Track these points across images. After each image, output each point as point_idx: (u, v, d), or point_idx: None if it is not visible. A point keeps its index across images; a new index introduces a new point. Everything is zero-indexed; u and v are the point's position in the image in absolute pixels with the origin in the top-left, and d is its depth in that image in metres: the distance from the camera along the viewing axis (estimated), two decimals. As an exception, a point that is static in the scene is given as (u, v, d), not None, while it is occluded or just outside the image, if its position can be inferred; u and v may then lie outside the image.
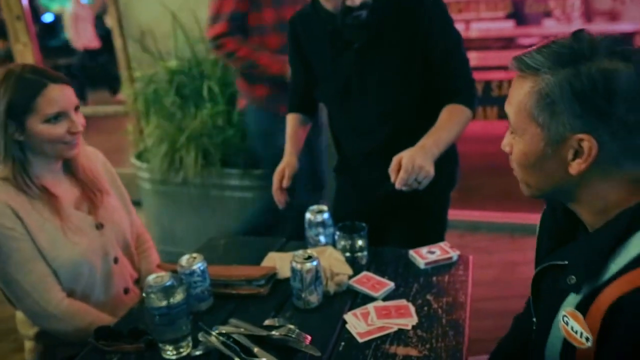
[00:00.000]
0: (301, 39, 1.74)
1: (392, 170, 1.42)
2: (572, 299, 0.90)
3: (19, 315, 1.52)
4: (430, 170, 1.42)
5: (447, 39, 1.58)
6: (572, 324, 0.89)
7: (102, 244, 1.50)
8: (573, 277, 0.89)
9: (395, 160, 1.43)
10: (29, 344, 1.53)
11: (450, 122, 1.55)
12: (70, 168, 1.51)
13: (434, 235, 1.72)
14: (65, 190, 1.49)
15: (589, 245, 0.91)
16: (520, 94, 0.90)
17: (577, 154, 0.86)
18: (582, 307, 0.87)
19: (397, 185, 1.41)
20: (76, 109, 1.43)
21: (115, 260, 1.54)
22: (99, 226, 1.51)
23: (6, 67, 1.38)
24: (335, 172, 1.96)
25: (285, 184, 1.71)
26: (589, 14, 6.86)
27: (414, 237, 1.66)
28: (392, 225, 1.84)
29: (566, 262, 0.93)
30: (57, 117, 1.38)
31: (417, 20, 1.54)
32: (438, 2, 1.58)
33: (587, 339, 0.86)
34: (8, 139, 1.37)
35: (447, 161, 1.61)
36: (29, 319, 1.45)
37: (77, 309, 1.42)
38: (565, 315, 0.90)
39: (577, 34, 0.87)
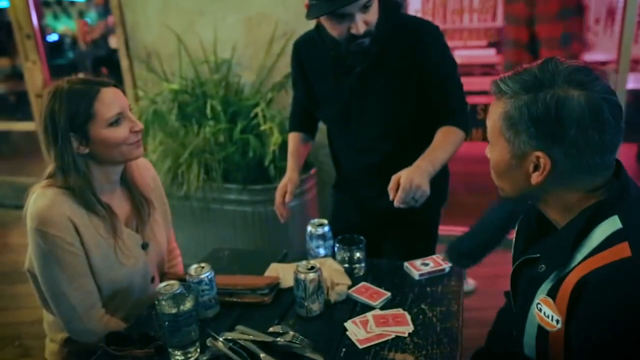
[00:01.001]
0: (304, 62, 1.77)
1: (390, 188, 1.44)
2: (544, 286, 0.98)
3: (48, 317, 1.49)
4: (427, 189, 1.44)
5: (443, 66, 1.61)
6: (544, 309, 0.97)
7: (144, 264, 1.48)
8: (543, 265, 0.99)
9: (393, 179, 1.45)
10: (52, 346, 1.50)
11: (445, 143, 1.58)
12: (125, 179, 1.47)
13: (426, 248, 1.75)
14: (119, 205, 1.45)
15: (556, 239, 1.01)
16: (495, 113, 1.00)
17: (536, 167, 0.95)
18: (552, 293, 0.95)
19: (396, 204, 1.43)
20: (130, 109, 1.39)
21: (152, 280, 1.52)
22: (145, 246, 1.48)
23: (52, 86, 1.34)
24: (333, 188, 1.98)
25: (287, 199, 1.74)
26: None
27: (407, 250, 1.68)
28: (387, 238, 1.86)
29: (538, 255, 1.02)
30: (117, 119, 1.33)
31: (415, 49, 1.58)
32: (435, 33, 1.62)
33: (557, 321, 0.94)
34: (74, 154, 1.32)
35: (440, 178, 1.63)
36: (64, 327, 1.40)
37: (114, 325, 1.39)
38: (539, 303, 0.98)
39: (545, 63, 0.95)
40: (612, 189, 0.95)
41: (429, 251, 1.69)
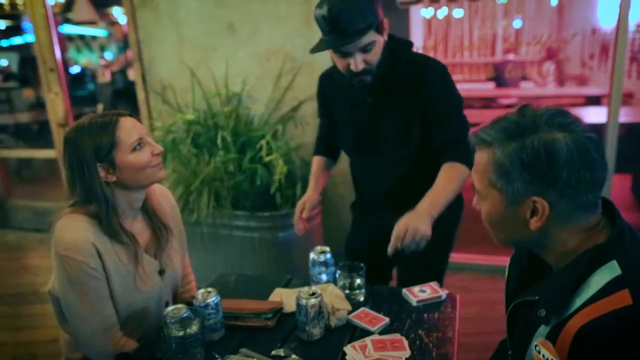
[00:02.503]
0: (327, 93, 1.84)
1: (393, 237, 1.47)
2: (543, 330, 0.95)
3: (65, 336, 1.50)
4: (426, 231, 1.45)
5: (444, 103, 1.62)
6: (543, 352, 0.93)
7: (160, 289, 1.49)
8: (543, 310, 0.95)
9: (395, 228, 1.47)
10: None
11: (447, 182, 1.57)
12: (146, 206, 1.49)
13: (437, 273, 1.76)
14: (140, 231, 1.47)
15: (555, 283, 0.97)
16: (482, 164, 0.98)
17: (534, 212, 0.93)
18: (552, 337, 0.92)
19: (388, 252, 1.45)
20: (148, 135, 1.42)
21: (167, 304, 1.52)
22: (162, 272, 1.49)
23: (75, 123, 1.37)
24: (351, 208, 2.01)
25: (304, 215, 1.82)
26: (561, 79, 7.08)
27: (418, 273, 1.67)
28: (399, 261, 1.84)
29: (536, 298, 0.98)
30: (139, 144, 1.36)
31: (420, 86, 1.61)
32: (440, 71, 1.64)
33: None
34: (101, 184, 1.34)
35: (455, 205, 1.64)
36: (83, 349, 1.41)
37: (129, 349, 1.39)
38: (537, 345, 0.95)
39: (522, 110, 0.95)
40: (610, 233, 0.93)
41: (438, 276, 1.70)
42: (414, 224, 1.44)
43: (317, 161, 1.99)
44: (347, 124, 1.77)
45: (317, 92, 1.90)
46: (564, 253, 0.96)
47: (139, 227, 1.48)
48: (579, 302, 0.90)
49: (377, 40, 1.53)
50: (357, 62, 1.52)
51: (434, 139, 1.64)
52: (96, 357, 1.40)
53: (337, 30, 1.48)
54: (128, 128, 1.36)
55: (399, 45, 1.64)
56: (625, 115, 3.59)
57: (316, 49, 1.55)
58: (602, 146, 0.93)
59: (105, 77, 8.47)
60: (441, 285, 1.72)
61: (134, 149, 1.36)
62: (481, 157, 0.98)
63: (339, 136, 1.85)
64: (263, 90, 3.25)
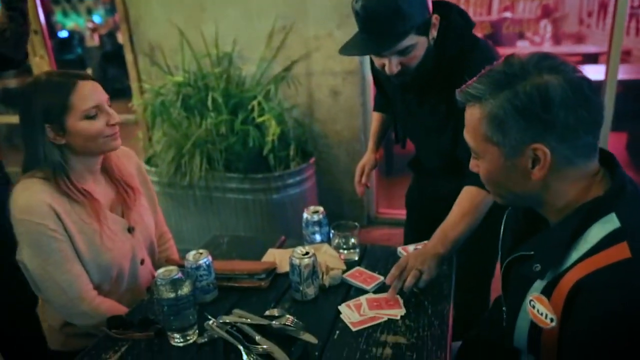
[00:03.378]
0: (376, 69, 1.59)
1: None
2: (538, 284, 0.92)
3: (44, 303, 1.48)
4: (429, 271, 1.31)
5: None
6: (538, 307, 0.92)
7: (132, 247, 1.46)
8: (538, 265, 0.92)
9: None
10: (53, 331, 1.49)
11: (461, 217, 1.40)
12: (107, 168, 1.46)
13: (489, 261, 1.68)
14: (103, 192, 1.43)
15: (551, 237, 0.94)
16: (473, 122, 0.92)
17: (535, 161, 0.88)
18: (547, 292, 0.90)
19: (387, 281, 1.32)
20: (108, 103, 1.36)
21: (142, 262, 1.51)
22: (131, 229, 1.47)
23: (32, 78, 1.33)
24: (408, 165, 1.89)
25: (364, 180, 1.79)
26: (558, 37, 6.95)
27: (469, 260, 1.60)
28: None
29: (532, 253, 0.95)
30: (95, 112, 1.31)
31: (459, 81, 1.39)
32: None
33: (551, 319, 0.89)
34: (47, 145, 1.31)
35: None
36: (59, 313, 1.40)
37: (108, 306, 1.38)
38: (532, 300, 0.93)
39: (508, 59, 0.90)
40: (610, 185, 0.90)
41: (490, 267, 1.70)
42: (416, 264, 1.31)
43: (376, 119, 1.90)
44: (393, 97, 1.68)
45: (370, 62, 1.67)
46: (564, 207, 0.92)
47: (102, 188, 1.45)
48: (575, 256, 0.87)
49: (418, 43, 1.33)
50: (391, 65, 1.35)
51: (457, 149, 1.45)
52: (74, 319, 1.39)
53: (371, 30, 1.30)
54: (85, 93, 1.31)
55: (452, 35, 1.40)
56: (622, 73, 3.53)
57: (346, 51, 1.36)
58: (593, 85, 0.87)
59: (94, 40, 8.27)
60: (492, 276, 1.72)
61: (88, 117, 1.31)
62: (471, 114, 0.92)
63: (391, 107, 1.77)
64: (254, 49, 3.15)
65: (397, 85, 1.52)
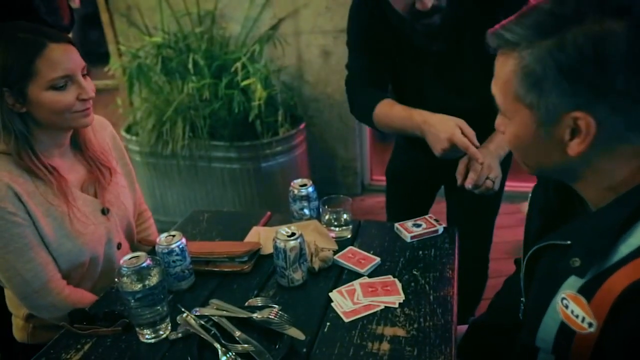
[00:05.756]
0: (372, 28, 1.39)
1: (458, 173, 1.25)
2: (574, 281, 0.74)
3: (9, 293, 1.31)
4: (498, 170, 1.26)
5: None
6: (572, 307, 0.74)
7: (107, 230, 1.28)
8: (577, 259, 0.73)
9: (461, 163, 1.26)
10: (17, 322, 1.34)
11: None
12: (78, 142, 1.27)
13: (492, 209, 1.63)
14: (72, 169, 1.25)
15: (595, 224, 0.75)
16: (504, 74, 0.73)
17: (574, 133, 0.70)
18: (586, 291, 0.72)
19: (467, 185, 1.22)
20: (84, 72, 1.16)
21: (119, 246, 1.33)
22: (105, 211, 1.28)
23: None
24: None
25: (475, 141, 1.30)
26: None
27: (472, 204, 1.53)
28: (452, 189, 1.64)
29: (568, 242, 0.77)
30: (63, 83, 1.11)
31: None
32: None
33: (589, 324, 0.71)
34: (6, 111, 1.11)
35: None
36: (23, 305, 1.23)
37: (78, 297, 1.22)
38: (564, 298, 0.75)
39: None
40: None
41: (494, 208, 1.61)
42: (489, 161, 1.23)
43: (388, 103, 1.41)
44: (409, 77, 1.43)
45: (354, 20, 1.43)
46: (610, 187, 0.74)
47: (71, 165, 1.25)
48: (625, 250, 0.69)
49: None
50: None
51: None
52: (40, 311, 1.22)
53: None
54: (54, 59, 1.10)
55: None
56: None
57: None
58: None
59: (74, 2, 7.87)
60: (492, 229, 1.60)
61: (55, 87, 1.11)
62: (503, 64, 0.73)
63: (396, 85, 1.51)
64: (238, 7, 2.93)
65: (420, 39, 1.28)
